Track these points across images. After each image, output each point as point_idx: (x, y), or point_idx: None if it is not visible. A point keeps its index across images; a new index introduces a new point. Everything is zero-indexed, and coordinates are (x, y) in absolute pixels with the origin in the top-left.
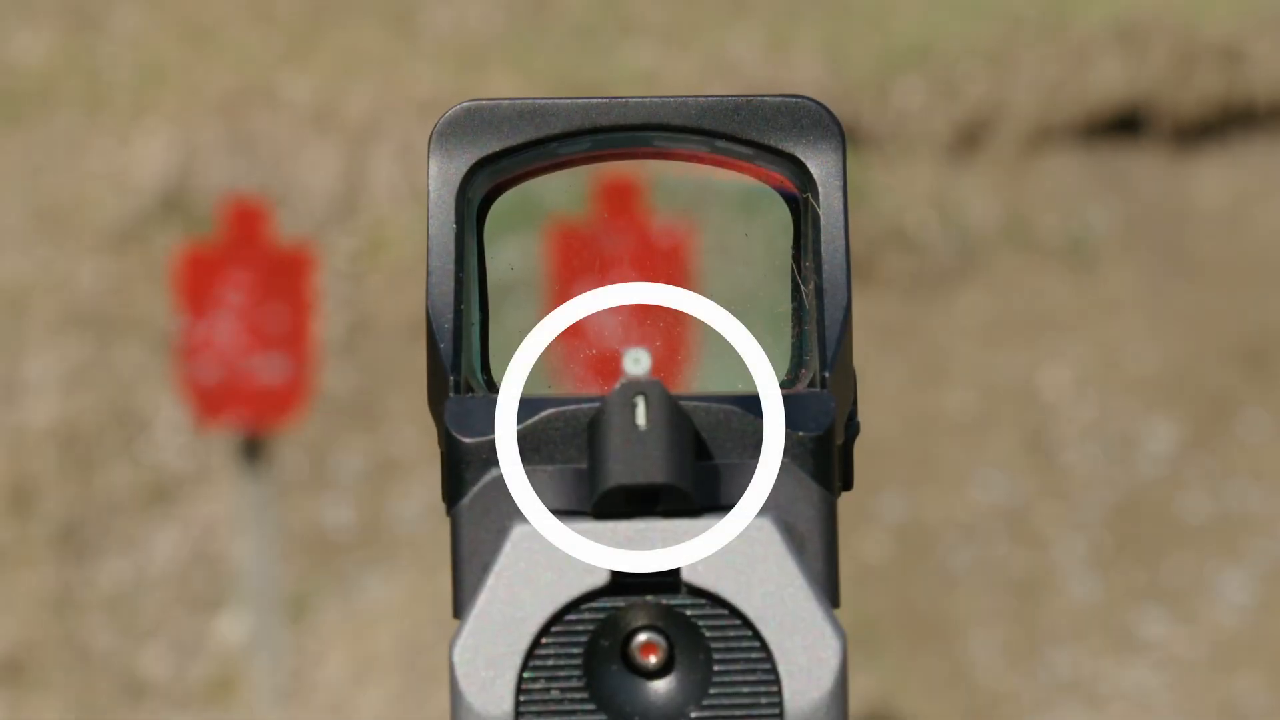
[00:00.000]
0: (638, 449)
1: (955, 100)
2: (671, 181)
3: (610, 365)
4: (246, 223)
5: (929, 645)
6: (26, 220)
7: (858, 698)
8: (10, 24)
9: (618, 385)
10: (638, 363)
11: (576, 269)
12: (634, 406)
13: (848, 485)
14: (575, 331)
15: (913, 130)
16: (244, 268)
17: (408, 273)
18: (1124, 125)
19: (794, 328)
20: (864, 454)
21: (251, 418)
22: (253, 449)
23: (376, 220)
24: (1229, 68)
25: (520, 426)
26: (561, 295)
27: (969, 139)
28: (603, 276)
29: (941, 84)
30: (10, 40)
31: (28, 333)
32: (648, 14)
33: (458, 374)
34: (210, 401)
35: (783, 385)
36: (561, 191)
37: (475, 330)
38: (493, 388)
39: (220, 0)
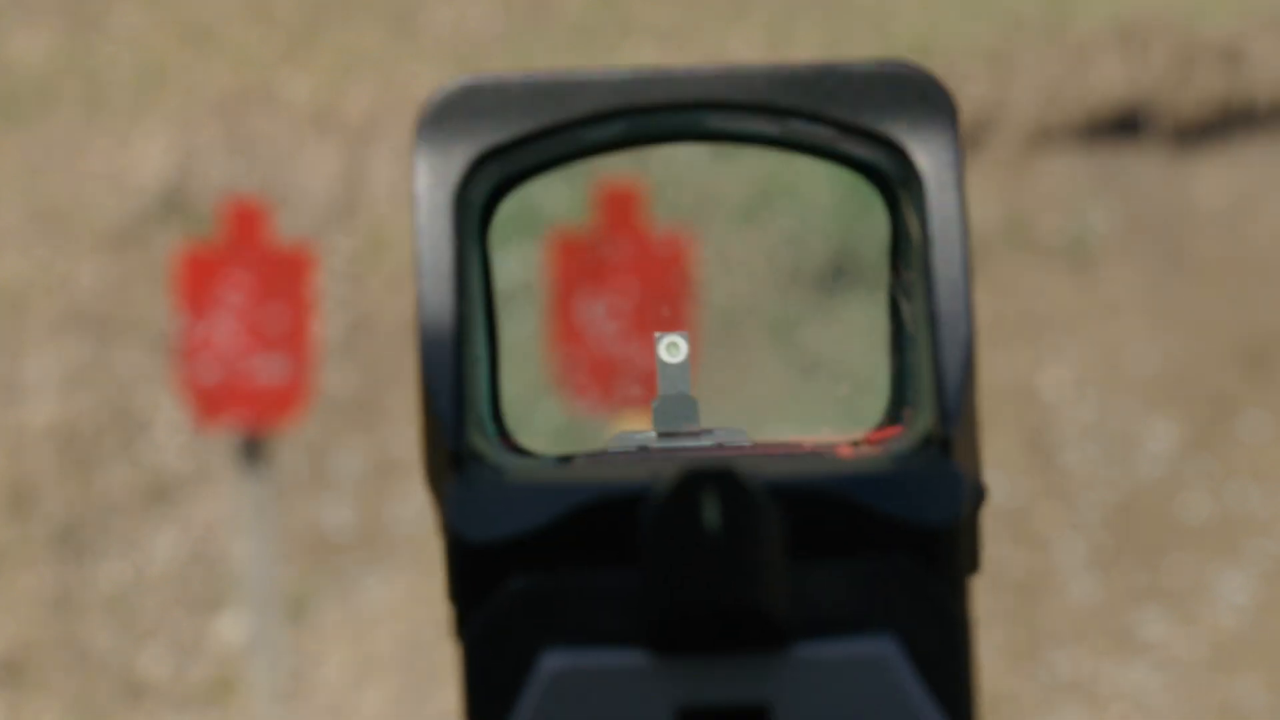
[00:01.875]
0: (707, 560)
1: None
2: (672, 189)
3: (638, 379)
4: (246, 223)
5: None
6: (26, 220)
7: None
8: (10, 24)
9: (677, 470)
10: (674, 350)
11: (577, 278)
12: (700, 504)
13: (975, 567)
14: (574, 336)
15: None
16: (244, 268)
17: (408, 273)
18: (1124, 125)
19: (893, 356)
20: None
21: (251, 418)
22: (253, 449)
23: (376, 220)
24: (1229, 68)
25: (545, 520)
26: (562, 304)
27: (969, 139)
28: (603, 285)
29: None
30: (10, 40)
31: (27, 333)
32: (648, 14)
33: (460, 442)
34: (210, 401)
35: (879, 426)
36: (561, 200)
37: (483, 368)
38: (506, 438)
39: (220, 0)
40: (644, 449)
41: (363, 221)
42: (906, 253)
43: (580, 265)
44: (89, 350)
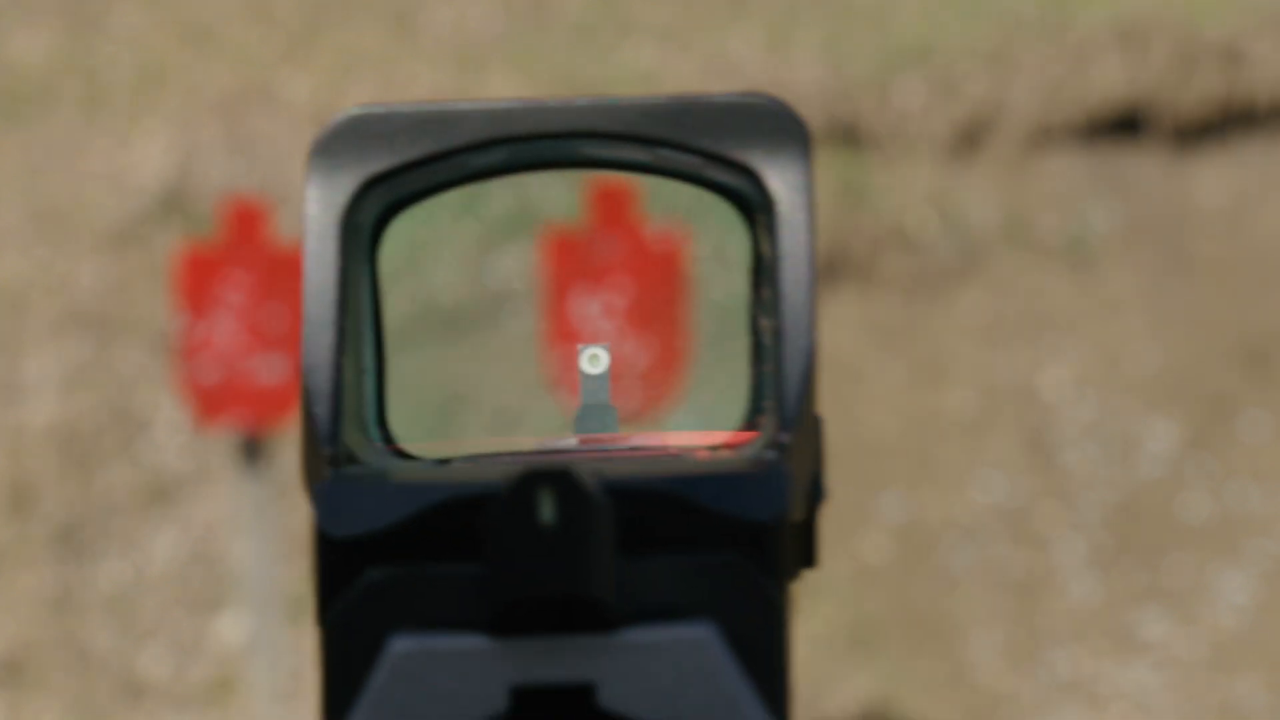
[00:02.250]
0: (541, 552)
1: (955, 100)
2: (665, 186)
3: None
4: (246, 223)
5: (929, 646)
6: (26, 220)
7: (858, 698)
8: (10, 24)
9: (518, 471)
10: (595, 361)
11: (571, 276)
12: (536, 501)
13: (810, 563)
14: (566, 336)
15: (913, 130)
16: (244, 268)
17: (398, 273)
18: (1124, 125)
19: (752, 365)
20: (864, 454)
21: (251, 418)
22: (253, 449)
23: None
24: (1229, 68)
25: (401, 517)
26: (557, 303)
27: (969, 139)
28: (597, 283)
29: (941, 84)
30: (10, 40)
31: (28, 333)
32: (648, 14)
33: (335, 445)
34: (210, 401)
35: (738, 429)
36: (557, 199)
37: (369, 379)
38: (391, 443)
39: (220, 0)
40: (517, 454)
41: None
42: (763, 271)
43: (574, 263)
44: (89, 350)
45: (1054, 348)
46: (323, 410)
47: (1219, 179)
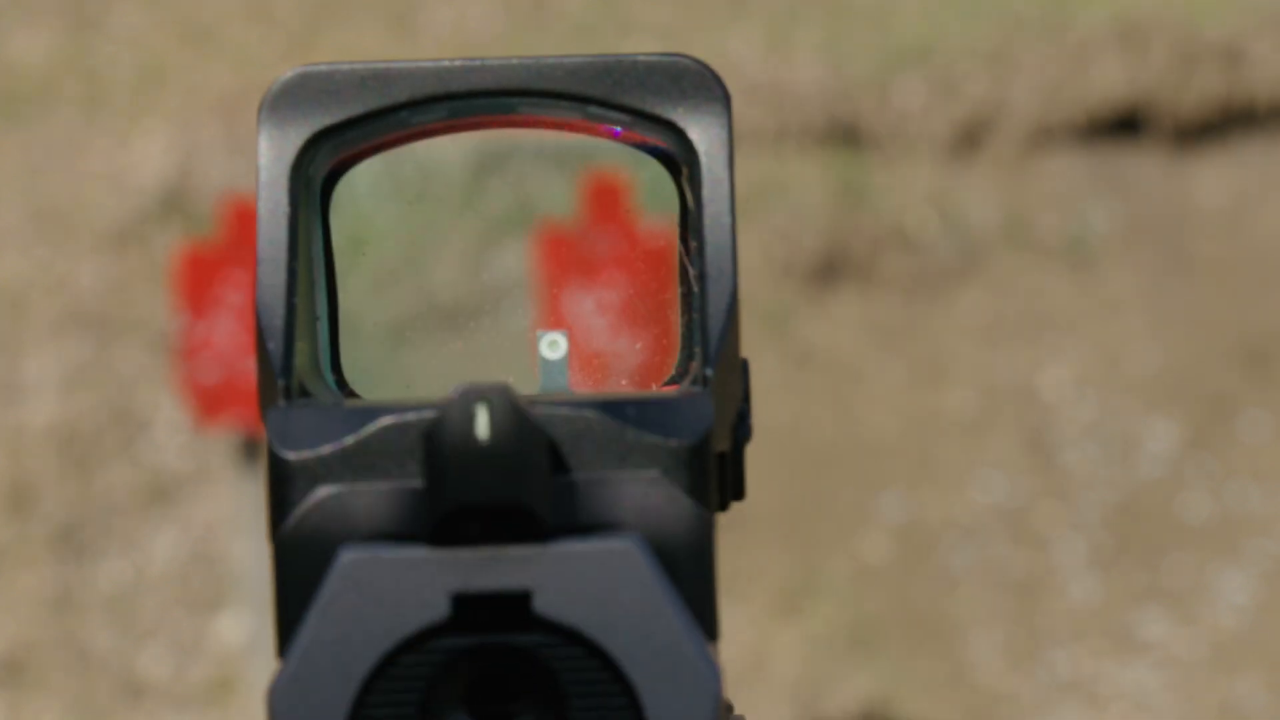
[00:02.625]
0: (478, 465)
1: (955, 100)
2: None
3: (598, 362)
4: (246, 223)
5: (929, 645)
6: (26, 220)
7: (858, 698)
8: (10, 24)
9: (456, 392)
10: (554, 347)
11: (565, 271)
12: (473, 416)
13: (739, 495)
14: (560, 325)
15: (913, 130)
16: (244, 268)
17: (390, 271)
18: (1124, 125)
19: (682, 316)
20: (864, 454)
21: (251, 418)
22: (253, 449)
23: (356, 216)
24: (1229, 68)
25: (350, 439)
26: (551, 296)
27: (969, 139)
28: (590, 278)
29: (941, 84)
30: (10, 40)
31: (27, 333)
32: (648, 14)
33: (288, 378)
34: (210, 401)
35: (670, 380)
36: (558, 194)
37: (323, 325)
38: (344, 388)
39: (220, 0)
40: None
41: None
42: (689, 224)
43: (568, 259)
44: (89, 350)
45: (1054, 348)
46: (275, 345)
47: (1219, 179)
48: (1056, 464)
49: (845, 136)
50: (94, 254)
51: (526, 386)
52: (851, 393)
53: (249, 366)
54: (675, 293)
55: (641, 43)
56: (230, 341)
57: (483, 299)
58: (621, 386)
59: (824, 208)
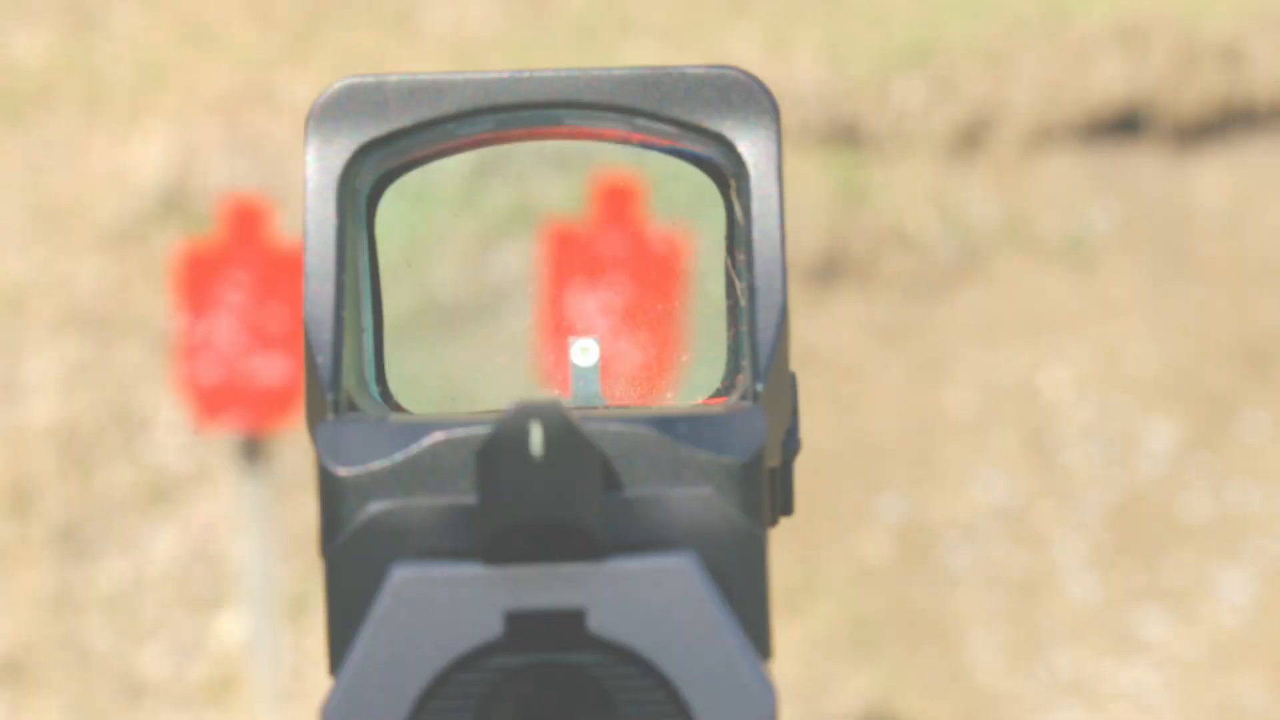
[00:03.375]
0: (532, 482)
1: (955, 100)
2: (670, 183)
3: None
4: (246, 223)
5: (929, 645)
6: (26, 220)
7: (858, 698)
8: (10, 24)
9: (510, 408)
10: (585, 353)
11: (572, 271)
12: (528, 433)
13: (788, 510)
14: (561, 331)
15: (913, 130)
16: (244, 268)
17: (398, 268)
18: (1124, 125)
19: (729, 329)
20: (864, 454)
21: (251, 418)
22: (253, 449)
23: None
24: (1229, 68)
25: (401, 455)
26: (554, 295)
27: (969, 139)
28: (596, 279)
29: (941, 84)
30: (10, 40)
31: (28, 333)
32: (648, 14)
33: (337, 392)
34: (210, 401)
35: (716, 393)
36: (559, 193)
37: (368, 338)
38: (389, 401)
39: (220, 0)
40: None
41: None
42: (737, 236)
43: (574, 259)
44: (89, 350)
45: (1054, 348)
46: (324, 359)
47: (1219, 179)
48: (1056, 464)
49: (845, 136)
50: (94, 254)
51: (529, 384)
52: (851, 393)
53: (249, 366)
54: (681, 299)
55: (641, 43)
56: (230, 341)
57: (484, 298)
58: (629, 390)
59: (824, 207)
